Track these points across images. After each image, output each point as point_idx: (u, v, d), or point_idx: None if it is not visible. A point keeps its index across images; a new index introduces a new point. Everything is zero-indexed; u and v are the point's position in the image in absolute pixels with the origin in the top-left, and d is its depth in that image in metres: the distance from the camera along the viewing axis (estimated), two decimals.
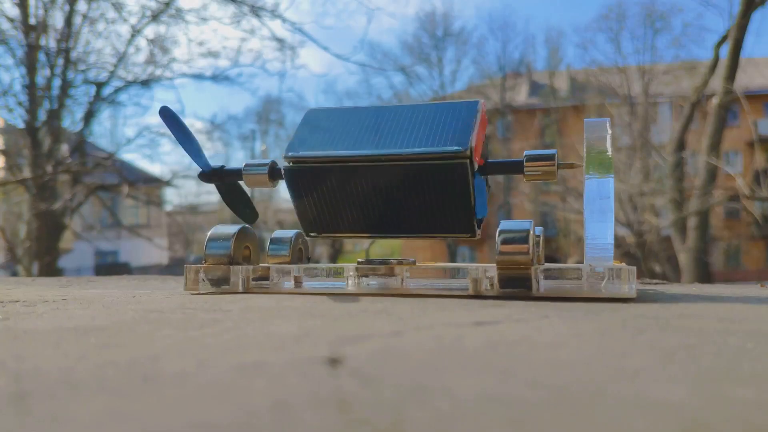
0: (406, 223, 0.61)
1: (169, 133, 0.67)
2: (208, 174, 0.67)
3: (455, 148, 0.55)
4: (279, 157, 0.62)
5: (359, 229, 0.63)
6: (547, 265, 0.55)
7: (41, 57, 4.27)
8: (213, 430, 0.18)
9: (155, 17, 4.69)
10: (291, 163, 0.60)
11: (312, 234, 0.64)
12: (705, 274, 5.24)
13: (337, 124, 0.62)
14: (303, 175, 0.60)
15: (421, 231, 0.61)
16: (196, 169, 0.67)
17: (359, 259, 0.61)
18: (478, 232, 0.61)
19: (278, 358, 0.27)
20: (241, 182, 0.68)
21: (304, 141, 0.61)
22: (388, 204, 0.60)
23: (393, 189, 0.59)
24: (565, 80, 12.37)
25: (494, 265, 0.53)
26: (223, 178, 0.67)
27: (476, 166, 0.57)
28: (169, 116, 0.67)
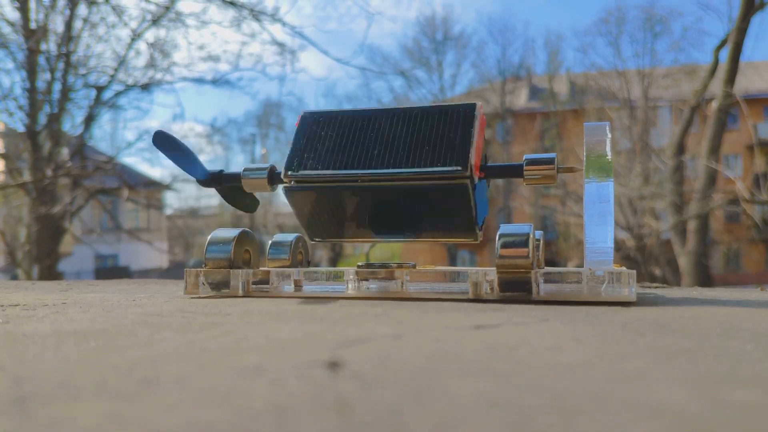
0: (409, 229, 0.61)
1: (165, 155, 0.67)
2: (207, 180, 0.67)
3: (455, 168, 0.55)
4: (279, 160, 0.62)
5: (363, 235, 0.63)
6: (547, 268, 0.55)
7: (42, 61, 4.27)
8: None
9: (155, 21, 4.70)
10: (291, 182, 0.60)
11: (316, 239, 0.65)
12: (705, 278, 5.24)
13: (334, 135, 0.61)
14: (302, 194, 0.60)
15: (424, 236, 0.62)
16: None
17: (359, 263, 0.61)
18: (480, 234, 0.61)
19: (278, 361, 0.27)
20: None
21: (303, 156, 0.60)
22: (389, 217, 0.60)
23: (394, 205, 0.59)
24: (564, 84, 12.39)
25: (494, 268, 0.53)
26: (222, 182, 0.68)
27: (476, 179, 0.57)
28: (162, 140, 0.65)
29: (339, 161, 0.58)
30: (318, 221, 0.62)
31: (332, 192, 0.59)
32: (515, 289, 0.52)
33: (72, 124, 4.72)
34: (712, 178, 5.11)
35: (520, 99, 12.66)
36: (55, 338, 0.34)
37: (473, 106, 0.59)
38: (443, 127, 0.58)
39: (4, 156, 4.64)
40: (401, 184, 0.56)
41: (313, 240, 0.65)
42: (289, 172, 0.59)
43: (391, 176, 0.57)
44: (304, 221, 0.63)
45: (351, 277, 0.60)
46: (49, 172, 4.03)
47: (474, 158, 0.56)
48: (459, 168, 0.55)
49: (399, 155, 0.57)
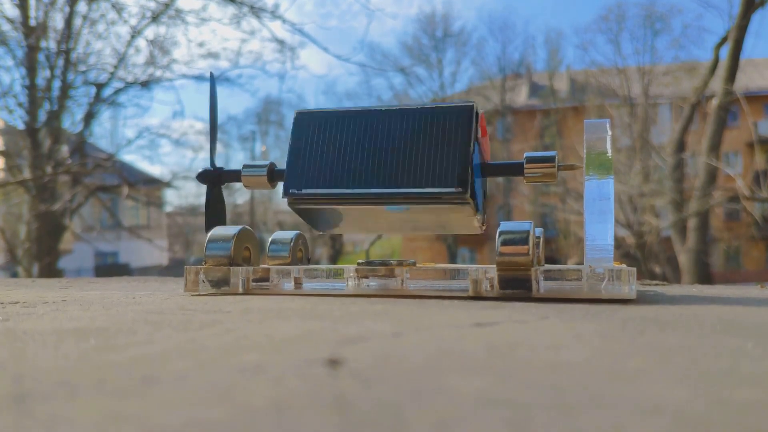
0: (410, 228, 0.62)
1: (209, 106, 0.68)
2: (208, 176, 0.67)
3: (456, 190, 0.55)
4: (279, 158, 0.62)
5: (367, 229, 0.65)
6: (547, 266, 0.55)
7: (41, 58, 4.27)
8: (212, 431, 0.18)
9: (155, 18, 4.69)
10: (291, 200, 0.60)
11: (322, 232, 0.66)
12: (705, 275, 5.24)
13: (331, 145, 0.60)
14: (304, 210, 0.61)
15: (426, 231, 0.63)
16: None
17: (359, 260, 0.61)
18: (483, 222, 0.61)
19: (278, 359, 0.27)
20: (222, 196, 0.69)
21: (302, 172, 0.60)
22: (391, 223, 0.62)
23: (395, 218, 0.61)
24: (565, 81, 12.38)
25: (494, 266, 0.53)
26: (221, 181, 0.68)
27: (477, 204, 0.59)
28: (213, 87, 0.68)
29: (338, 179, 0.59)
30: (322, 221, 0.64)
31: (331, 207, 0.60)
32: (515, 286, 0.52)
33: (72, 121, 4.72)
34: (712, 175, 5.11)
35: (521, 96, 12.64)
36: (55, 336, 0.34)
37: (470, 109, 0.58)
38: (442, 134, 0.58)
39: (4, 153, 4.64)
40: (400, 200, 0.57)
41: (318, 231, 0.67)
42: (291, 191, 0.59)
43: (391, 197, 0.57)
44: (309, 222, 0.64)
45: (351, 274, 0.60)
46: (49, 170, 4.03)
47: (471, 181, 0.56)
48: (460, 190, 0.55)
49: (399, 172, 0.57)
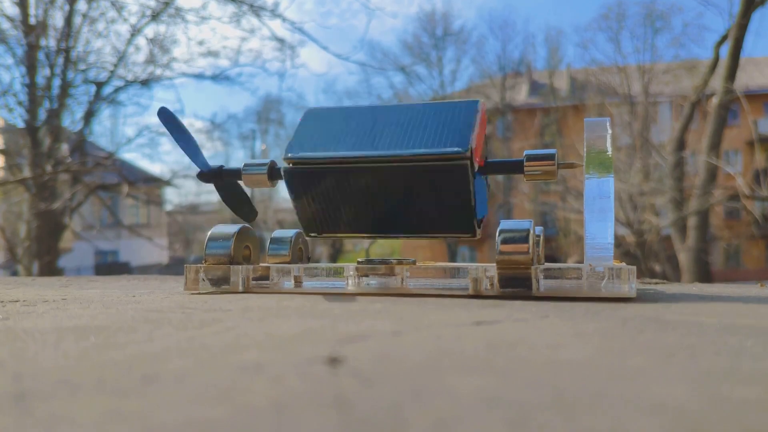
0: (406, 224, 0.61)
1: (168, 133, 0.67)
2: (207, 174, 0.67)
3: (455, 149, 0.55)
4: (279, 156, 0.62)
5: (359, 230, 0.63)
6: (547, 264, 0.55)
7: (41, 56, 4.26)
8: (213, 430, 0.18)
9: (155, 17, 4.68)
10: (290, 164, 0.60)
11: (312, 234, 0.64)
12: (705, 274, 5.24)
13: (336, 124, 0.61)
14: (302, 176, 0.60)
15: (421, 231, 0.61)
16: (196, 169, 0.67)
17: (359, 259, 0.61)
18: (479, 231, 0.61)
19: (278, 358, 0.27)
20: (240, 182, 0.68)
21: (303, 142, 0.61)
22: (388, 204, 0.60)
23: (393, 190, 0.59)
24: (565, 80, 12.37)
25: (494, 264, 0.53)
26: (222, 177, 0.67)
27: (477, 167, 0.57)
28: (167, 117, 0.67)
29: (339, 145, 0.59)
30: (314, 210, 0.62)
31: (330, 174, 0.59)
32: (515, 285, 0.52)
33: (72, 119, 4.71)
34: (712, 174, 5.11)
35: (521, 95, 12.63)
36: (55, 334, 0.34)
37: (475, 103, 0.60)
38: (444, 117, 0.58)
39: (4, 152, 4.63)
40: (400, 165, 0.57)
41: (308, 235, 0.65)
42: (289, 154, 0.60)
43: (390, 158, 0.57)
44: (301, 209, 0.62)
45: (351, 273, 0.60)
46: (48, 168, 4.02)
47: (475, 143, 0.56)
48: (459, 149, 0.55)
49: (400, 140, 0.57)
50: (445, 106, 0.60)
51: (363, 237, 0.65)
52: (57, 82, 4.35)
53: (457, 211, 0.58)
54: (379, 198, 0.59)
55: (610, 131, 0.59)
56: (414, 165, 0.56)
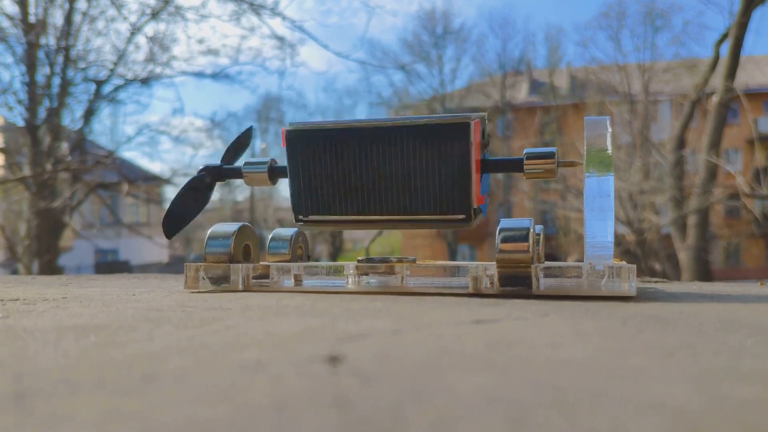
0: (399, 200, 0.59)
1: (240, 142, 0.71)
2: (209, 170, 0.67)
3: (459, 217, 0.57)
4: (279, 155, 0.62)
5: (349, 208, 0.60)
6: (547, 263, 0.55)
7: (41, 55, 4.26)
8: (213, 429, 0.18)
9: (155, 15, 4.68)
10: (302, 222, 0.63)
11: (300, 218, 0.62)
12: (705, 273, 5.24)
13: (328, 169, 0.60)
14: (301, 138, 0.60)
15: (414, 212, 0.59)
16: (196, 166, 0.68)
17: (359, 258, 0.61)
18: (475, 219, 0.58)
19: (278, 356, 0.27)
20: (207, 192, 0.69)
21: (306, 199, 0.61)
22: (382, 172, 0.59)
23: (390, 152, 0.60)
24: (565, 78, 12.36)
25: (494, 263, 0.53)
26: (221, 176, 0.68)
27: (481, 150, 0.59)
28: (249, 135, 0.73)
29: (343, 206, 0.60)
30: (306, 185, 0.61)
31: (328, 136, 0.60)
32: (515, 283, 0.52)
33: (71, 118, 4.71)
34: (712, 172, 5.10)
35: (521, 93, 12.62)
36: (55, 333, 0.34)
37: (467, 126, 0.57)
38: (439, 165, 0.57)
39: (4, 150, 4.63)
40: (402, 125, 0.58)
41: (297, 220, 0.63)
42: (300, 217, 0.62)
43: (399, 223, 0.60)
44: (295, 186, 0.62)
45: (351, 271, 0.60)
46: (48, 167, 4.02)
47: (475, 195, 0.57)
48: (462, 216, 0.57)
49: (405, 197, 0.59)
50: (437, 132, 0.58)
51: (352, 222, 0.62)
52: (57, 81, 4.35)
53: (454, 185, 0.57)
54: (373, 163, 0.58)
55: (610, 130, 0.59)
56: (415, 125, 0.57)
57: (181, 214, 0.67)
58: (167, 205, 0.68)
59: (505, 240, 0.52)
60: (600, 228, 0.53)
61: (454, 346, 0.30)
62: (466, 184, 0.57)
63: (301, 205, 0.62)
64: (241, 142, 0.71)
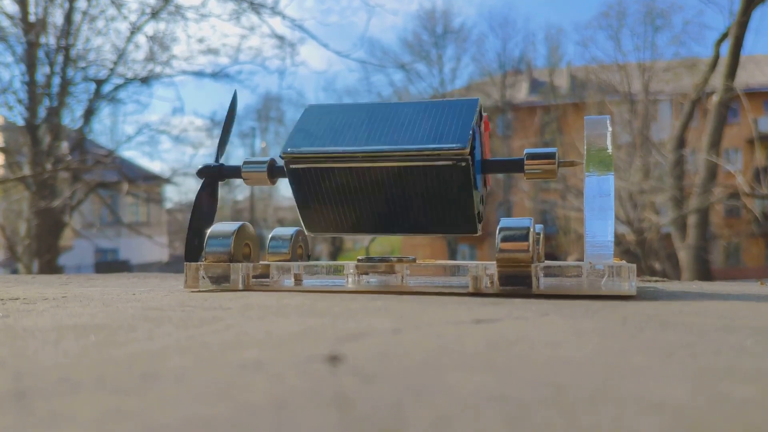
0: (407, 222, 0.61)
1: (227, 113, 0.70)
2: (209, 170, 0.67)
3: (456, 145, 0.55)
4: (279, 154, 0.62)
5: (360, 228, 0.63)
6: (547, 262, 0.55)
7: (41, 54, 4.26)
8: (212, 428, 0.18)
9: (155, 14, 4.68)
10: (289, 159, 0.60)
11: (312, 233, 0.65)
12: (705, 272, 5.24)
13: (335, 120, 0.61)
14: (300, 174, 0.60)
15: (422, 230, 0.61)
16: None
17: (359, 257, 0.61)
18: (480, 227, 0.61)
19: (278, 356, 0.27)
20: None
21: (301, 137, 0.61)
22: (388, 203, 0.60)
23: (393, 187, 0.59)
24: (565, 78, 12.36)
25: (494, 262, 0.53)
26: (221, 176, 0.68)
27: (475, 160, 0.58)
28: (234, 104, 0.71)
29: (337, 140, 0.59)
30: (316, 208, 0.62)
31: (330, 171, 0.59)
32: (515, 283, 0.52)
33: (71, 117, 4.71)
34: (712, 172, 5.10)
35: (521, 93, 12.62)
36: (55, 332, 0.34)
37: (475, 101, 0.60)
38: (444, 114, 0.58)
39: (4, 150, 4.63)
40: (400, 164, 0.57)
41: (309, 233, 0.65)
42: (288, 149, 0.60)
43: (388, 153, 0.57)
44: (302, 208, 0.63)
45: (351, 271, 0.60)
46: (48, 166, 4.02)
47: (473, 141, 0.56)
48: (459, 145, 0.55)
49: (399, 135, 0.57)
50: (445, 103, 0.60)
51: (363, 234, 0.65)
52: (57, 80, 4.35)
53: (459, 208, 0.58)
54: (379, 196, 0.59)
55: (610, 129, 0.59)
56: (415, 164, 0.56)
57: (209, 214, 0.68)
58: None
59: (505, 239, 0.52)
60: (600, 227, 0.53)
61: (454, 345, 0.30)
62: (471, 208, 0.58)
63: (312, 224, 0.64)
64: (232, 112, 0.72)
